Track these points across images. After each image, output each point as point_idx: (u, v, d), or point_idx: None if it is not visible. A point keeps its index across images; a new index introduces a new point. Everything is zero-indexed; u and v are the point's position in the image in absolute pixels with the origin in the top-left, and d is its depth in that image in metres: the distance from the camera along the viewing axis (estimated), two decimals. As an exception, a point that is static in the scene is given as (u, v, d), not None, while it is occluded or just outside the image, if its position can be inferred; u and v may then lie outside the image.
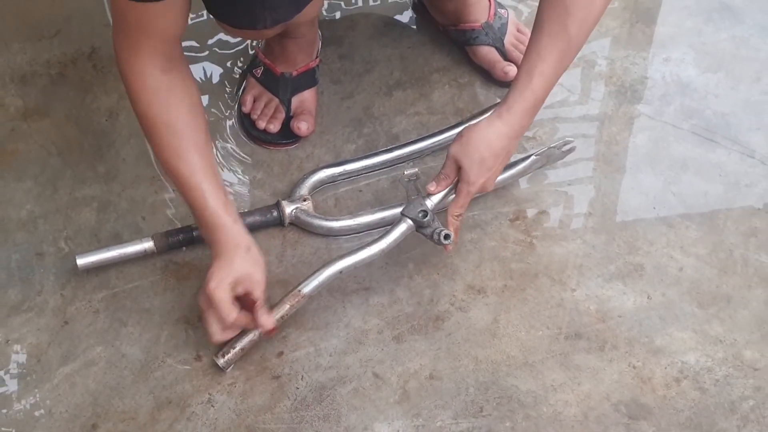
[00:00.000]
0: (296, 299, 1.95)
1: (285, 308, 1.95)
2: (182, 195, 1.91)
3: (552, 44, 1.86)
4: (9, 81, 2.56)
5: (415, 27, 2.67)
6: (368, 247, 1.99)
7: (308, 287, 1.96)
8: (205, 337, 1.95)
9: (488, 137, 1.91)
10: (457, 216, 1.99)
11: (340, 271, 1.98)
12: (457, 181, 1.97)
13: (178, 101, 1.87)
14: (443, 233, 1.94)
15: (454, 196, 1.99)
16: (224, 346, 1.96)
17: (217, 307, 1.83)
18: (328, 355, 1.99)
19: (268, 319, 1.89)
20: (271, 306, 1.94)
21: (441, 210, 2.04)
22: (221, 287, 1.83)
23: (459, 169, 1.94)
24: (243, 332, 1.96)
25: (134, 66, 1.83)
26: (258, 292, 1.88)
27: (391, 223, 2.03)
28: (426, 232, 1.98)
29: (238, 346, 1.95)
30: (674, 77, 2.51)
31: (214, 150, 2.35)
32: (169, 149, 1.87)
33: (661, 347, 1.98)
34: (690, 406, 1.89)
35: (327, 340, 2.01)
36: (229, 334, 1.91)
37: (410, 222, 1.98)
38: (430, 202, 1.98)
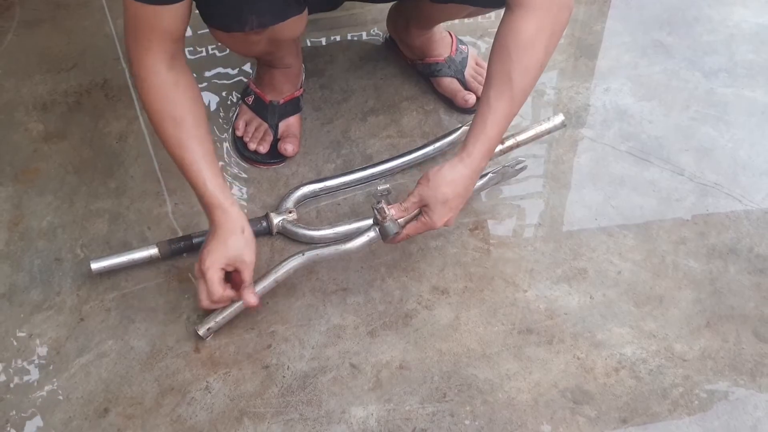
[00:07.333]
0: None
1: (269, 280, 2.01)
2: (186, 179, 1.93)
3: (500, 94, 1.86)
4: (32, 108, 2.57)
5: (386, 61, 2.68)
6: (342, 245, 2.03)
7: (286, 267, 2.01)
8: (200, 320, 1.96)
9: (453, 180, 1.90)
10: (410, 236, 2.00)
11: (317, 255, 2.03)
12: (419, 213, 1.97)
13: (183, 96, 1.89)
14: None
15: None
16: (206, 318, 2.00)
17: (208, 285, 1.85)
18: (311, 347, 1.99)
19: (252, 297, 1.90)
20: (257, 279, 1.99)
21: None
22: (213, 268, 1.84)
23: (424, 206, 1.93)
24: (223, 308, 1.99)
25: (144, 63, 1.85)
26: (245, 274, 1.89)
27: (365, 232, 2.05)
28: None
29: (219, 318, 1.99)
30: (613, 105, 2.52)
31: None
32: (174, 140, 1.89)
33: (602, 341, 1.99)
34: (627, 393, 1.89)
35: (310, 335, 2.01)
36: (216, 306, 1.93)
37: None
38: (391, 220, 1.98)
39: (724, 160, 2.37)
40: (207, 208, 1.91)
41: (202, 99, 1.97)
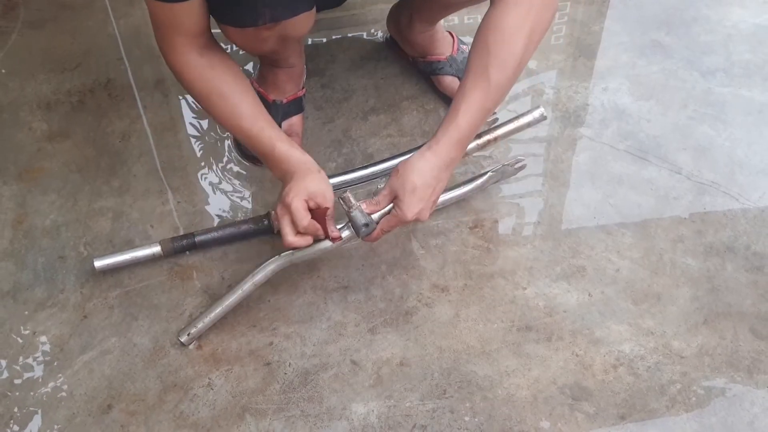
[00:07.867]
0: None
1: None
2: (249, 145, 1.98)
3: (474, 85, 1.86)
4: (36, 107, 2.56)
5: (387, 60, 2.68)
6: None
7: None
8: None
9: (420, 169, 1.88)
10: (384, 231, 1.97)
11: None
12: (393, 207, 1.94)
13: (221, 73, 1.93)
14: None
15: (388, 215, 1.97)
16: (186, 326, 2.00)
17: (293, 214, 1.84)
18: (312, 344, 1.99)
19: (336, 230, 1.92)
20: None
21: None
22: (297, 198, 1.84)
23: (395, 199, 1.92)
24: (203, 314, 2.00)
25: (176, 56, 1.90)
26: (329, 204, 1.89)
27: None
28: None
29: (200, 325, 1.99)
30: (612, 104, 2.52)
31: (215, 168, 2.37)
32: (226, 112, 1.93)
33: (600, 338, 1.99)
34: (625, 389, 1.90)
35: (311, 332, 2.02)
36: (299, 241, 1.88)
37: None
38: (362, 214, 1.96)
39: (721, 158, 2.37)
40: (279, 160, 1.93)
41: (242, 72, 1.99)
